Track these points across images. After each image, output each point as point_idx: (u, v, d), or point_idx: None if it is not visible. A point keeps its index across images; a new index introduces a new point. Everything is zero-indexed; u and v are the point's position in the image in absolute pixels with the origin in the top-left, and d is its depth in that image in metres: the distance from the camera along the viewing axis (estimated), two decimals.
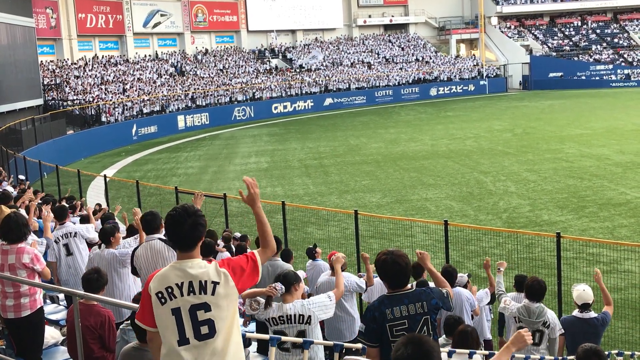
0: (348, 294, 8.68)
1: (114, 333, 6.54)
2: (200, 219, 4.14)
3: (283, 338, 5.82)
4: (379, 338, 4.83)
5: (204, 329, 4.03)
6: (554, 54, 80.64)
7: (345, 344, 6.17)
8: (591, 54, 79.72)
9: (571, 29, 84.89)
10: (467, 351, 6.01)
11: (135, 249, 7.58)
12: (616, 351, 8.67)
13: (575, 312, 7.84)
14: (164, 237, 7.17)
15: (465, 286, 9.68)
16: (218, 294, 4.05)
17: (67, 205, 10.75)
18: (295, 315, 6.29)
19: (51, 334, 7.53)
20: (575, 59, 79.37)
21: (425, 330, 4.79)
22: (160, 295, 4.06)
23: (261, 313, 6.28)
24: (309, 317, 6.25)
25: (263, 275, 7.94)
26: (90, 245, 10.07)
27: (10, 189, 18.78)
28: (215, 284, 4.05)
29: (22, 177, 25.53)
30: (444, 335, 7.22)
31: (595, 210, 20.77)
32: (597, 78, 75.92)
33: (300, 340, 5.78)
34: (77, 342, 5.71)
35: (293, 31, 78.57)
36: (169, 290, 4.04)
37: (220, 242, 13.14)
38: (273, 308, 6.32)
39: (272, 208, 21.45)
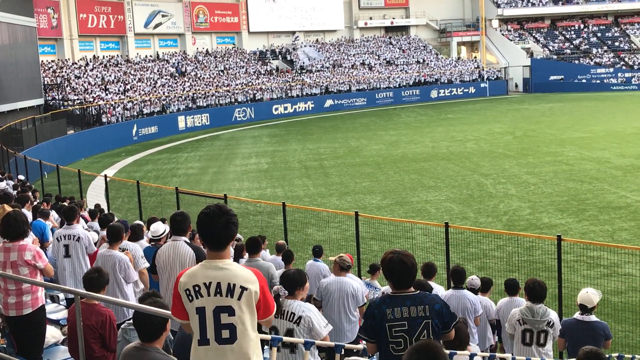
0: (351, 297, 8.69)
1: (115, 332, 6.54)
2: (233, 218, 4.15)
3: (285, 339, 5.82)
4: (376, 335, 4.83)
5: (225, 333, 4.04)
6: (555, 57, 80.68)
7: (347, 345, 6.16)
8: (592, 57, 79.75)
9: (572, 32, 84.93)
10: (468, 353, 6.01)
11: (158, 246, 7.63)
12: (617, 354, 8.66)
13: (576, 315, 7.84)
14: (188, 241, 7.20)
15: (477, 291, 9.65)
16: (244, 299, 4.06)
17: (77, 207, 10.72)
18: (288, 312, 6.33)
19: (52, 334, 7.53)
20: (576, 62, 79.41)
21: (425, 334, 4.74)
22: (188, 292, 4.10)
23: None
24: (299, 317, 6.25)
25: None
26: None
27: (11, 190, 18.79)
28: (243, 289, 4.06)
29: (22, 177, 25.52)
30: None
31: (595, 213, 20.78)
32: (598, 81, 75.96)
33: (301, 340, 5.77)
34: (79, 341, 5.71)
35: (294, 32, 78.59)
36: (197, 288, 4.07)
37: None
38: None
39: (272, 209, 21.49)
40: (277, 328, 6.34)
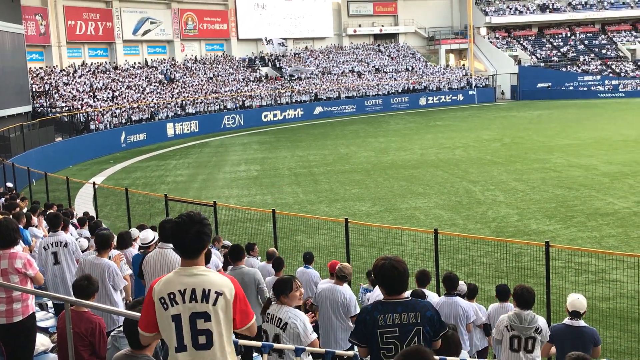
0: (342, 306, 8.70)
1: (105, 340, 6.53)
2: (206, 228, 4.14)
3: (275, 345, 5.83)
4: (367, 340, 4.85)
5: (202, 339, 4.05)
6: (542, 64, 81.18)
7: (337, 352, 6.18)
8: (579, 64, 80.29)
9: (559, 40, 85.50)
10: (458, 358, 6.03)
11: (147, 253, 7.64)
12: None
13: (566, 320, 7.88)
14: None
15: (463, 296, 9.71)
16: (219, 305, 4.06)
17: (61, 215, 10.68)
18: (276, 317, 6.38)
19: (41, 341, 7.49)
20: (564, 69, 79.92)
21: (416, 340, 4.75)
22: (162, 300, 4.09)
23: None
24: (285, 324, 6.29)
25: None
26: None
27: None
28: (218, 294, 4.07)
29: (10, 184, 25.41)
30: None
31: (583, 219, 20.90)
32: (585, 89, 76.50)
33: (292, 347, 5.79)
34: (69, 349, 5.70)
35: (283, 40, 78.66)
36: (172, 296, 4.07)
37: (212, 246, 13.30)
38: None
39: (262, 216, 21.48)
40: (267, 332, 6.40)
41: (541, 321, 7.70)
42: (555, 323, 8.44)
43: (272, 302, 6.54)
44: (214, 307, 4.05)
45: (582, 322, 7.80)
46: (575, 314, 7.78)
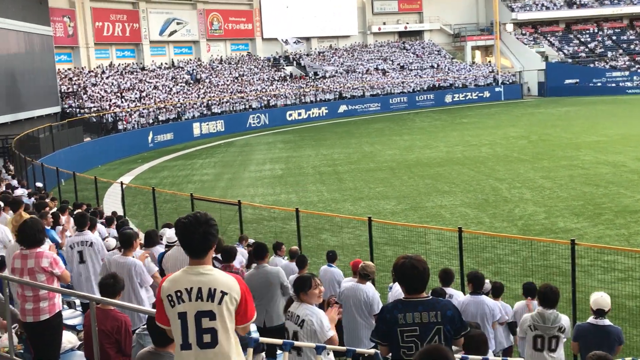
0: (365, 305, 8.72)
1: (130, 338, 6.61)
2: (212, 229, 4.17)
3: (296, 343, 5.87)
4: (387, 339, 4.87)
5: (207, 338, 4.10)
6: (570, 60, 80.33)
7: (358, 350, 6.21)
8: (607, 60, 79.32)
9: (587, 36, 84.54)
10: (481, 357, 6.02)
11: (166, 251, 7.76)
12: (630, 359, 8.63)
13: (590, 319, 7.82)
14: None
15: (487, 294, 9.68)
16: (225, 303, 4.11)
17: (89, 214, 10.82)
18: (294, 314, 6.48)
19: (68, 339, 7.61)
20: (591, 65, 78.99)
21: (437, 339, 4.75)
22: (170, 298, 4.15)
23: None
24: (302, 321, 6.36)
25: (252, 283, 8.06)
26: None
27: (25, 195, 18.95)
28: (224, 294, 4.11)
29: (39, 184, 25.75)
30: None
31: (611, 217, 20.66)
32: (613, 85, 75.52)
33: (313, 345, 5.82)
34: (94, 346, 5.78)
35: (308, 38, 78.80)
36: (178, 294, 4.13)
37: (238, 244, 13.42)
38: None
39: (286, 215, 21.54)
40: (288, 329, 6.48)
41: (564, 320, 7.65)
42: (580, 322, 8.38)
43: (293, 301, 6.59)
44: (219, 306, 4.09)
45: (606, 321, 7.74)
46: (599, 312, 7.72)
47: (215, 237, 4.21)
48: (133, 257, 8.74)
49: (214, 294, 4.10)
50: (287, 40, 72.56)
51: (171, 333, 4.29)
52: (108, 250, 10.12)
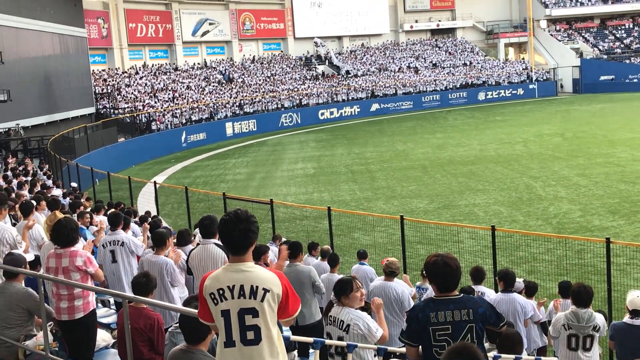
0: (395, 302, 8.67)
1: (163, 336, 6.66)
2: (252, 226, 4.19)
3: (327, 342, 5.86)
4: (419, 339, 4.83)
5: (250, 335, 4.11)
6: (605, 56, 79.12)
7: (389, 348, 6.17)
8: None
9: (622, 31, 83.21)
10: (513, 356, 5.96)
11: (192, 250, 7.85)
12: None
13: (626, 319, 7.70)
14: (219, 242, 7.33)
15: (520, 293, 9.60)
16: (267, 301, 4.12)
17: (122, 214, 10.93)
18: (338, 319, 6.38)
19: (102, 337, 7.69)
20: (627, 61, 77.73)
21: (469, 338, 4.72)
22: (212, 296, 4.18)
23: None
24: (348, 325, 6.28)
25: None
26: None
27: (60, 196, 19.19)
28: (266, 291, 4.12)
29: (74, 184, 26.10)
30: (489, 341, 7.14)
31: None
32: None
33: (343, 343, 5.80)
34: (127, 344, 5.83)
35: (339, 37, 78.78)
36: (221, 292, 4.15)
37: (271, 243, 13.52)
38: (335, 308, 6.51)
39: (318, 214, 21.56)
40: (331, 334, 6.40)
41: (599, 319, 7.54)
42: (616, 321, 8.25)
43: (334, 304, 6.51)
44: (261, 303, 4.10)
45: None
46: (635, 313, 7.59)
47: (256, 234, 4.22)
48: (165, 255, 8.81)
49: (256, 291, 4.11)
50: (318, 42, 73.17)
51: (216, 329, 4.31)
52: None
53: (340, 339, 6.30)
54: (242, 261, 4.20)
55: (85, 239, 11.21)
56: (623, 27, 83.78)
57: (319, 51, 74.79)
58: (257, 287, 4.11)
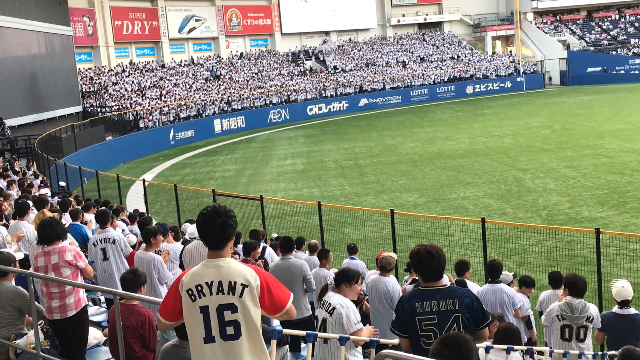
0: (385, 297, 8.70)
1: (155, 332, 6.63)
2: (230, 220, 4.19)
3: (320, 335, 5.85)
4: (407, 329, 4.83)
5: (230, 330, 4.10)
6: (592, 48, 79.41)
7: (382, 340, 6.17)
8: (630, 47, 78.28)
9: (609, 23, 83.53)
10: (505, 346, 5.96)
11: (185, 245, 7.82)
12: None
13: (615, 309, 7.73)
14: None
15: (509, 285, 9.63)
16: (246, 296, 4.10)
17: (110, 211, 10.90)
18: (326, 302, 6.53)
19: (94, 335, 7.66)
20: (614, 53, 78.03)
21: (455, 327, 4.71)
22: (190, 292, 4.15)
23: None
24: (333, 308, 6.38)
25: (276, 275, 8.07)
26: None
27: (48, 194, 19.08)
28: (244, 286, 4.11)
29: (62, 183, 25.97)
30: None
31: (636, 205, 20.42)
32: (637, 72, 74.43)
33: (336, 336, 5.79)
34: (119, 342, 5.80)
35: (327, 32, 78.69)
36: (199, 288, 4.13)
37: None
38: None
39: (308, 209, 21.54)
40: (318, 317, 6.53)
41: (593, 309, 7.57)
42: (606, 311, 8.28)
43: (329, 289, 6.61)
44: (240, 298, 4.09)
45: (632, 310, 7.64)
46: (624, 303, 7.62)
47: (234, 228, 4.21)
48: (155, 252, 8.78)
49: (234, 287, 4.10)
50: (325, 40, 74.01)
51: (165, 326, 4.33)
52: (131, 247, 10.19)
53: (324, 321, 6.40)
54: (220, 256, 4.19)
55: (84, 236, 11.18)
56: (609, 18, 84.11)
57: (326, 48, 74.93)
58: (235, 282, 4.10)
